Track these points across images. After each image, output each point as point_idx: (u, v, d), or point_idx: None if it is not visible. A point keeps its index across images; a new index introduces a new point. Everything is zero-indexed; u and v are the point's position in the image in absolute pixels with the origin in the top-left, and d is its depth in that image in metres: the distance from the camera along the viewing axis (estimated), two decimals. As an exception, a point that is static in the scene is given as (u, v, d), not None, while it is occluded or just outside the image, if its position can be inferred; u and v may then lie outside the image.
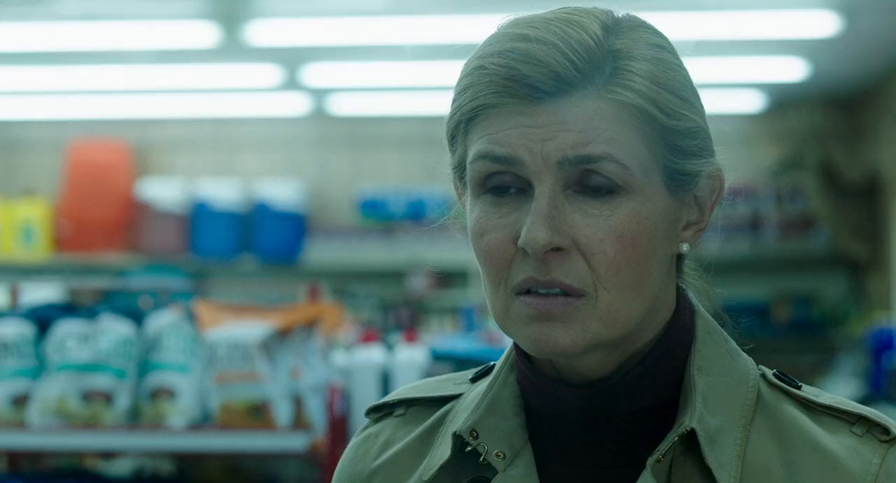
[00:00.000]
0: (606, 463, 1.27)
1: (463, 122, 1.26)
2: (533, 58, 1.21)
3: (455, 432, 1.30)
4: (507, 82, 1.21)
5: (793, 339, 9.38)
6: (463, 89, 1.25)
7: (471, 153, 1.25)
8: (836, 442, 1.26)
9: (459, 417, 1.32)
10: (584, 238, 1.21)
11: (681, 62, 1.28)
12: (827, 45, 7.91)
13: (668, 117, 1.23)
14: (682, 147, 1.25)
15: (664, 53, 1.27)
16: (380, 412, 1.40)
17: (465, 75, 1.26)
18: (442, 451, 1.31)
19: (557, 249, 1.21)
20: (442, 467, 1.30)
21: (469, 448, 1.29)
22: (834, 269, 9.66)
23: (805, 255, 9.54)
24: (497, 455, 1.28)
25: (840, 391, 7.51)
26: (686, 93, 1.26)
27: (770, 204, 9.54)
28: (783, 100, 9.63)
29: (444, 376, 1.41)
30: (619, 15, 1.27)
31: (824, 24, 7.33)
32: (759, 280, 9.51)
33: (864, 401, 6.16)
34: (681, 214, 1.27)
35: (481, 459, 1.28)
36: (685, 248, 1.29)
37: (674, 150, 1.24)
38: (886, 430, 1.26)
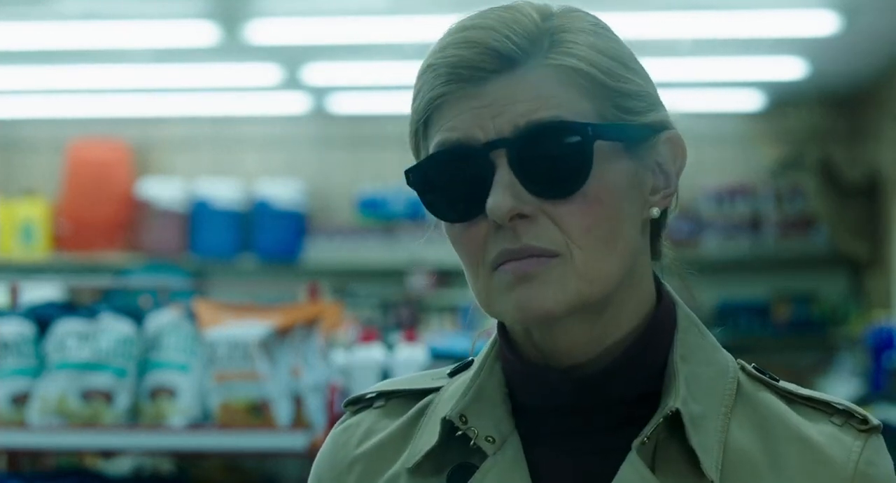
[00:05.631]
0: (593, 448, 1.29)
1: (421, 125, 1.30)
2: (472, 42, 1.26)
3: (444, 417, 1.32)
4: (452, 70, 1.26)
5: (793, 338, 9.38)
6: (416, 94, 1.30)
7: (431, 148, 1.29)
8: (817, 430, 1.29)
9: (444, 406, 1.34)
10: (549, 204, 1.25)
11: (620, 40, 1.32)
12: (826, 44, 7.92)
13: (611, 79, 1.28)
14: (630, 107, 1.28)
15: (601, 29, 1.32)
16: (358, 404, 1.42)
17: (416, 80, 1.31)
18: (427, 438, 1.33)
19: (523, 216, 1.24)
20: (428, 454, 1.32)
21: (458, 432, 1.31)
22: (834, 268, 9.66)
23: (805, 254, 9.53)
24: (487, 439, 1.30)
25: (840, 390, 7.51)
26: (628, 61, 1.31)
27: (770, 203, 9.54)
28: (783, 99, 9.62)
29: (420, 372, 1.44)
30: (556, 8, 1.32)
31: (824, 23, 7.33)
32: (759, 280, 9.50)
33: (864, 400, 6.16)
34: (645, 177, 1.30)
35: (471, 444, 1.31)
36: (655, 211, 1.31)
37: (622, 110, 1.28)
38: (865, 421, 1.30)
